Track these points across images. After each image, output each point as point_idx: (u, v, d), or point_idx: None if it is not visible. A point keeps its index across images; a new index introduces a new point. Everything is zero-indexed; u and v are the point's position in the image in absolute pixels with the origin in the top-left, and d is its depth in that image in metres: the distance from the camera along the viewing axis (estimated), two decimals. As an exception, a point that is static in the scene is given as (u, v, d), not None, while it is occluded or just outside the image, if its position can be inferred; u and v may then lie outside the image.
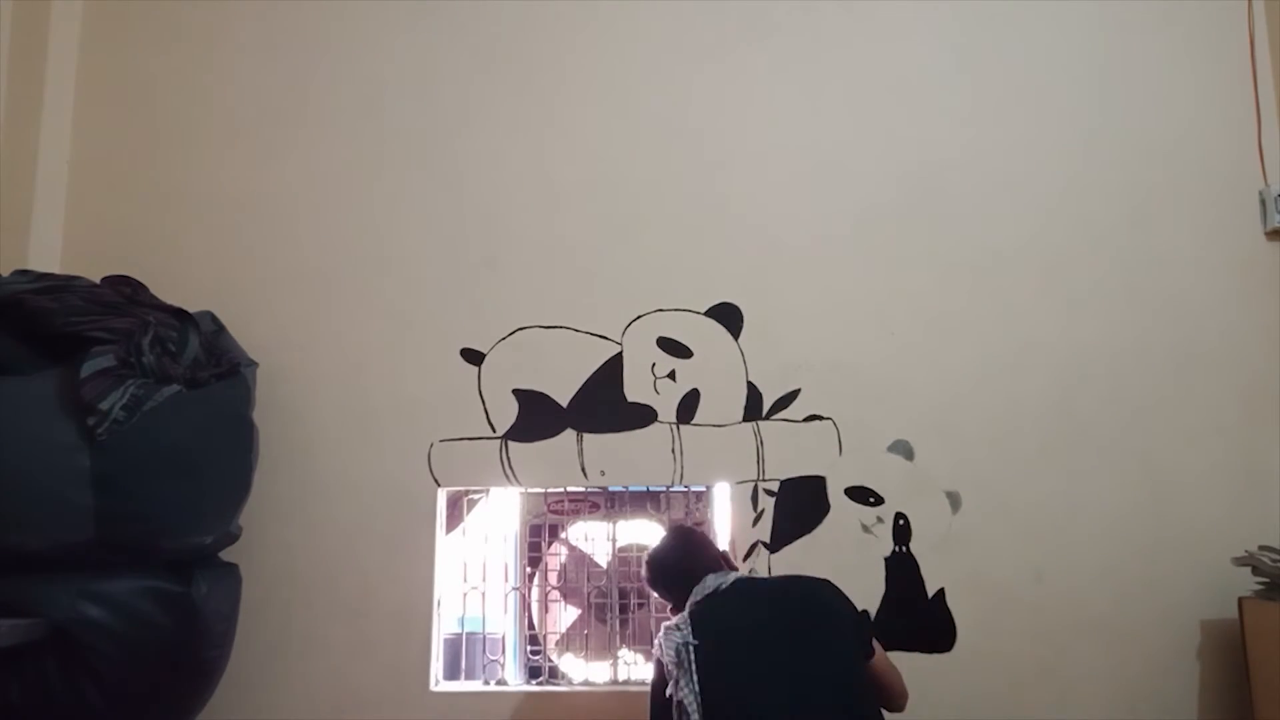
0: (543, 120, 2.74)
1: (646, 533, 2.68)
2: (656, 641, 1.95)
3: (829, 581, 1.98)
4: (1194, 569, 2.45)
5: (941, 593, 2.46)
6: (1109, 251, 2.63)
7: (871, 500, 2.53)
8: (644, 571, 2.19)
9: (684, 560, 2.09)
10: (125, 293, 2.32)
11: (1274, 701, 2.18)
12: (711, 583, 1.98)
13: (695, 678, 1.80)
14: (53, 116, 2.75)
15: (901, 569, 2.48)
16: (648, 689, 1.96)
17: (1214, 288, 2.60)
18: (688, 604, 1.98)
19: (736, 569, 2.12)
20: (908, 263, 2.63)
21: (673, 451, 2.57)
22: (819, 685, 1.79)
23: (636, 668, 2.58)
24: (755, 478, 2.55)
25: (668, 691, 1.84)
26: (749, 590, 2.00)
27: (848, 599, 1.97)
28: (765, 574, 2.47)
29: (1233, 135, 2.67)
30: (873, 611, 2.45)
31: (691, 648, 1.83)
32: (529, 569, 2.68)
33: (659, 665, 1.92)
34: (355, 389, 2.62)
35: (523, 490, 2.65)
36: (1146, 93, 2.71)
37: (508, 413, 2.59)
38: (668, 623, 1.94)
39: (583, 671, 2.60)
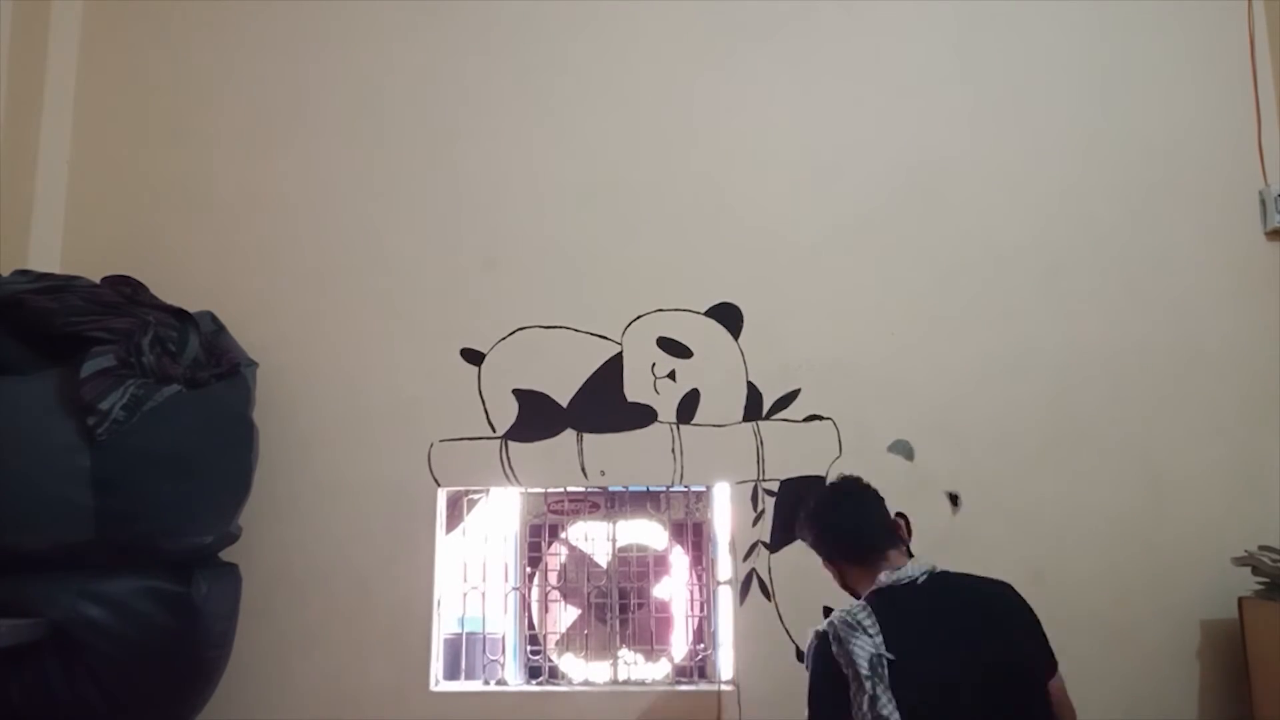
0: (543, 120, 2.74)
1: (647, 533, 2.68)
2: (827, 629, 1.74)
3: (1011, 588, 1.83)
4: (1194, 569, 2.45)
5: (942, 593, 2.46)
6: (1109, 252, 2.62)
7: (871, 500, 2.52)
8: (809, 526, 1.97)
9: (863, 528, 1.88)
10: (125, 293, 2.32)
11: (1274, 701, 2.19)
12: (907, 573, 1.77)
13: (892, 693, 1.62)
14: (53, 116, 2.74)
15: (901, 569, 2.48)
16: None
17: (1214, 288, 2.60)
18: (872, 588, 1.78)
19: (908, 541, 1.92)
20: (908, 263, 2.63)
21: (673, 451, 2.57)
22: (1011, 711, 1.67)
23: (636, 668, 2.58)
24: (755, 478, 2.55)
25: (858, 698, 1.64)
26: (939, 593, 1.77)
27: (1030, 610, 1.81)
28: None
29: (1233, 135, 2.67)
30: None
31: (886, 661, 1.64)
32: (529, 569, 2.68)
33: (824, 649, 1.72)
34: (355, 389, 2.62)
35: (523, 490, 2.65)
36: (1146, 93, 2.71)
37: (508, 413, 2.59)
38: (843, 615, 1.73)
39: (583, 671, 2.59)
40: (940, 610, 1.75)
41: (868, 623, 1.70)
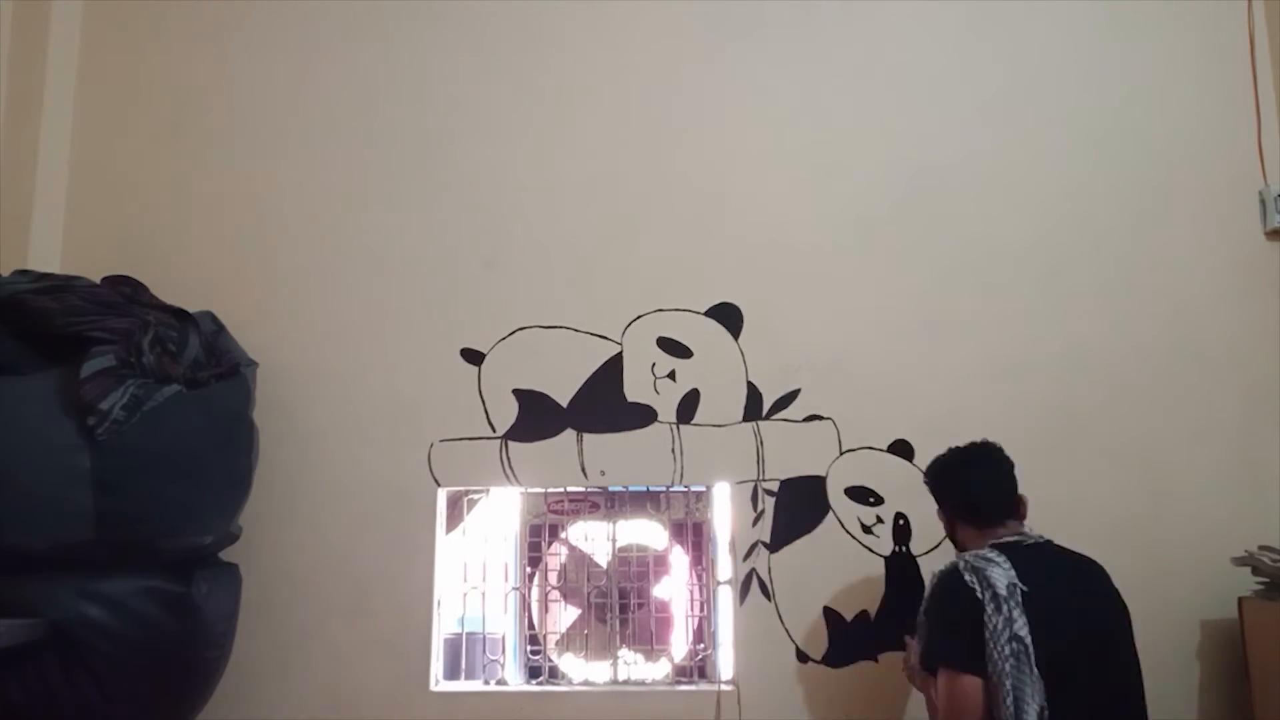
0: (543, 120, 2.75)
1: (646, 533, 2.68)
2: (958, 564, 1.92)
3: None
4: (1194, 569, 2.44)
5: (942, 593, 2.46)
6: (1109, 251, 2.62)
7: (871, 500, 2.53)
8: (940, 479, 2.17)
9: (990, 497, 2.06)
10: (125, 293, 2.33)
11: (1274, 701, 2.18)
12: (1029, 537, 1.99)
13: (1026, 617, 1.81)
14: (53, 116, 2.74)
15: (901, 569, 2.48)
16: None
17: (1214, 288, 2.60)
18: (996, 541, 1.96)
19: (1025, 518, 2.08)
20: (908, 263, 2.63)
21: (673, 451, 2.57)
22: (1129, 672, 1.90)
23: (636, 668, 2.58)
24: (755, 478, 2.55)
25: (993, 619, 1.82)
26: (1056, 554, 1.99)
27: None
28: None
29: (1233, 135, 2.67)
30: (872, 612, 2.46)
31: (1020, 590, 1.83)
32: (529, 569, 2.68)
33: (957, 578, 1.89)
34: (355, 389, 2.62)
35: (523, 490, 2.65)
36: (1146, 93, 2.71)
37: (508, 413, 2.59)
38: (974, 555, 1.92)
39: (583, 671, 2.59)
40: (1057, 566, 1.96)
41: (1000, 560, 1.89)
